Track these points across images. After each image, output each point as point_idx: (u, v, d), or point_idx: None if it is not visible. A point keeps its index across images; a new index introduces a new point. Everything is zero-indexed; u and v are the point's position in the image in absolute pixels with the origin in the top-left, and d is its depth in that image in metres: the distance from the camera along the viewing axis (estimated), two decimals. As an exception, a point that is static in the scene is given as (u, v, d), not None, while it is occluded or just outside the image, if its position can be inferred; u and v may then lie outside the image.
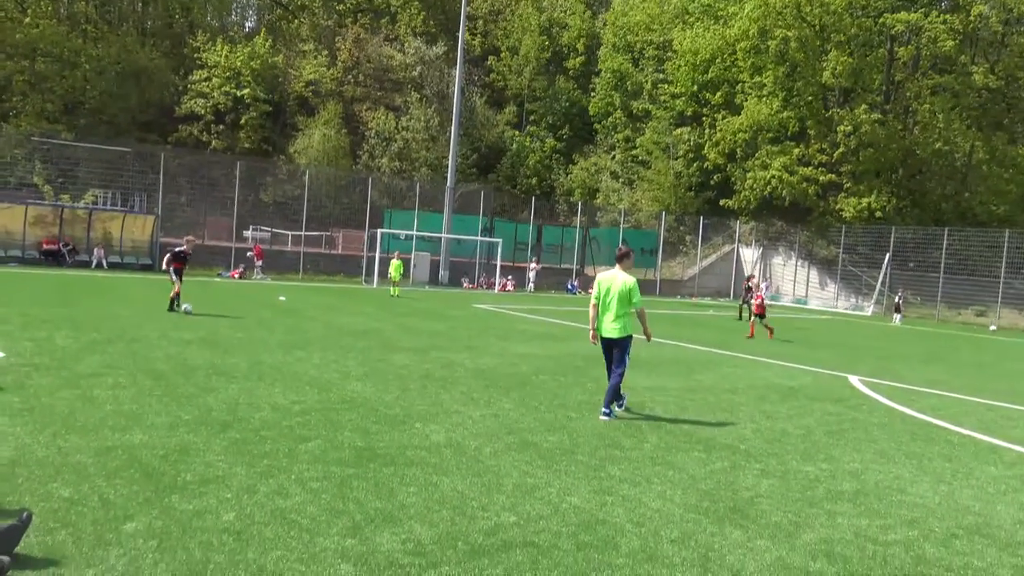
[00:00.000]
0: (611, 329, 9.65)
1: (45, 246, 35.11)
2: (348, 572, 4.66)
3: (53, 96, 47.83)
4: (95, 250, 35.59)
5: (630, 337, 9.70)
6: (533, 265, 45.64)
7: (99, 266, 34.95)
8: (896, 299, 40.34)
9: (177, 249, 19.13)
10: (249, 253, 38.71)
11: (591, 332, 9.81)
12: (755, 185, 50.82)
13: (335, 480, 6.41)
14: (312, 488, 6.17)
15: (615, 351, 9.74)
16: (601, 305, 9.73)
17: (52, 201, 39.12)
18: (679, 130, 56.06)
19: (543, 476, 6.95)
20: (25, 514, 4.70)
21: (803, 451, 8.69)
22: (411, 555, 4.97)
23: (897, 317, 38.97)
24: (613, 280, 9.70)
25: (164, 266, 19.37)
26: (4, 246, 34.39)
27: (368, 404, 9.53)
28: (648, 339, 10.25)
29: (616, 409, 9.80)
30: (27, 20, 46.45)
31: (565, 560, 5.06)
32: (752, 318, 23.05)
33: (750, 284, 27.71)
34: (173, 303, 18.49)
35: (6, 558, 4.37)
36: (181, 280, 18.65)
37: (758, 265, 54.23)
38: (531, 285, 44.42)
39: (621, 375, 9.62)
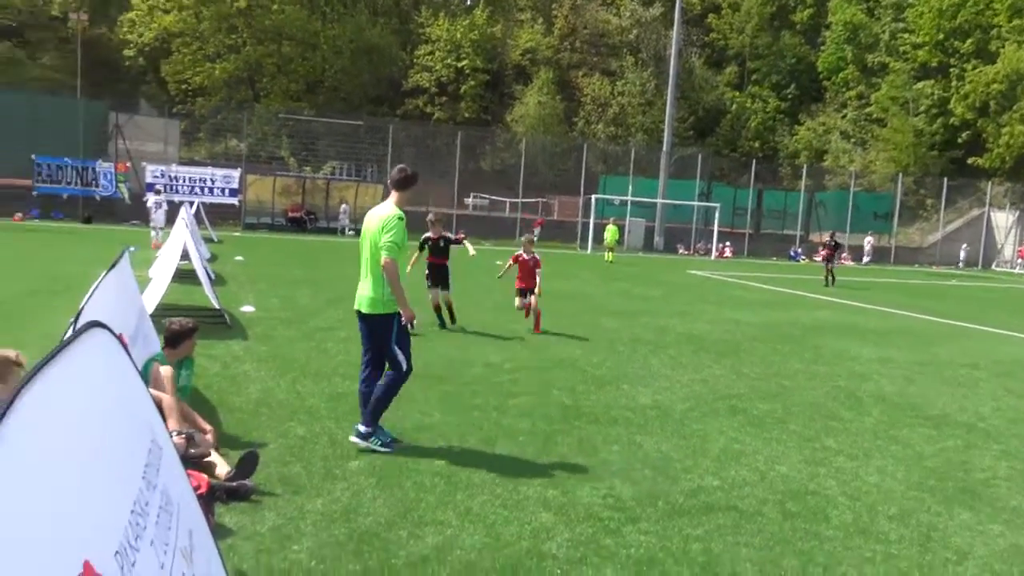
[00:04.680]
0: (360, 297, 6.09)
1: (290, 213, 38.52)
2: (548, 520, 4.79)
3: (296, 76, 52.07)
4: (341, 214, 38.17)
5: (389, 317, 5.98)
6: (869, 238, 44.39)
7: (343, 232, 37.49)
8: None
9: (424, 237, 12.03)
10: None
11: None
12: (1012, 142, 45.53)
13: (541, 435, 6.59)
14: (518, 441, 6.38)
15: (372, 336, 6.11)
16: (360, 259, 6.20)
17: (296, 172, 42.85)
18: (921, 84, 51.31)
19: (751, 443, 6.74)
20: (256, 448, 5.31)
21: (1055, 433, 7.77)
22: (611, 509, 5.02)
23: None
24: (370, 220, 6.16)
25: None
26: (256, 213, 38.21)
27: (576, 365, 9.67)
28: (404, 317, 5.99)
29: (372, 441, 5.93)
30: (275, 7, 50.75)
31: (769, 527, 4.89)
32: None
33: (837, 241, 26.61)
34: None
35: (251, 483, 4.93)
36: (446, 286, 11.89)
37: (1012, 231, 48.71)
38: (867, 258, 43.41)
39: (393, 381, 6.06)
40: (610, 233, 31.80)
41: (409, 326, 6.08)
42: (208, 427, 5.67)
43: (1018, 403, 9.06)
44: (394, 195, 6.18)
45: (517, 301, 12.19)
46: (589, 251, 37.50)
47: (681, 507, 5.14)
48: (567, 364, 9.69)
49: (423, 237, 11.86)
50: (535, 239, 12.83)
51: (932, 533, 4.97)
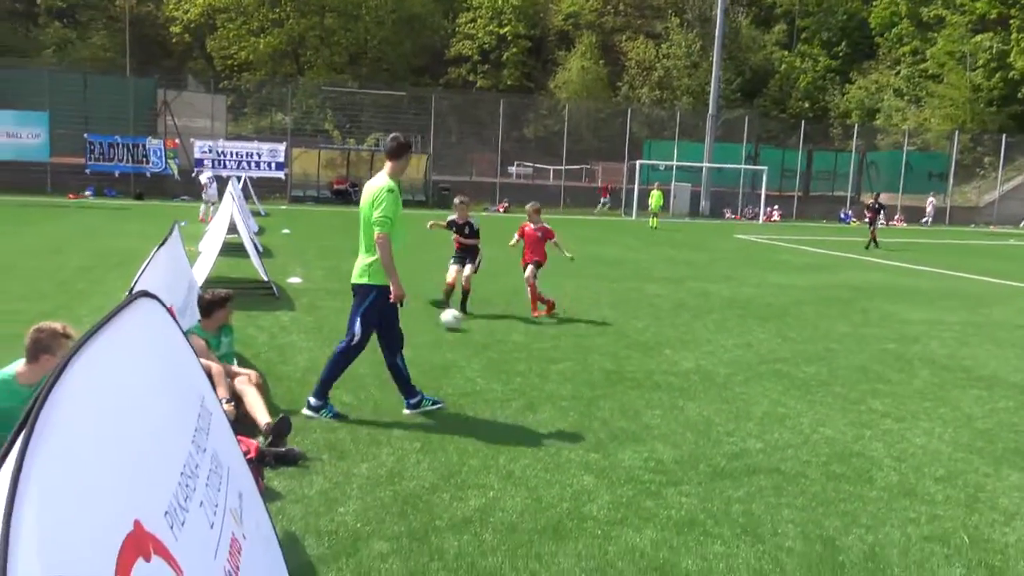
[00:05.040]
0: (355, 269, 6.02)
1: (335, 186, 38.90)
2: (590, 482, 4.84)
3: (339, 48, 52.32)
4: None
5: (370, 288, 5.87)
6: (931, 199, 43.57)
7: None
8: None
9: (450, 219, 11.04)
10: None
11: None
12: (1075, 95, 43.81)
13: (583, 400, 6.63)
14: (561, 406, 6.43)
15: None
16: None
17: (340, 145, 43.18)
18: (979, 37, 49.42)
19: (795, 406, 6.70)
20: (288, 414, 5.44)
21: (1113, 394, 7.57)
22: (652, 472, 5.05)
23: None
24: (364, 193, 6.03)
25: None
26: (302, 186, 38.71)
27: (619, 330, 9.67)
28: (393, 295, 5.85)
29: (322, 413, 5.86)
30: (317, -22, 51.04)
31: (812, 488, 4.88)
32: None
33: (880, 203, 25.30)
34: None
35: (298, 448, 5.07)
36: (474, 265, 10.87)
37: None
38: (929, 219, 42.65)
39: (342, 352, 5.99)
40: (654, 199, 31.52)
41: (399, 304, 5.98)
42: (251, 372, 5.88)
43: (1075, 364, 8.83)
44: (388, 165, 5.98)
45: (528, 271, 10.68)
46: (634, 217, 37.22)
47: (723, 470, 5.15)
48: (609, 330, 9.70)
49: (448, 219, 10.92)
50: (540, 207, 11.50)
51: (979, 494, 4.91)
